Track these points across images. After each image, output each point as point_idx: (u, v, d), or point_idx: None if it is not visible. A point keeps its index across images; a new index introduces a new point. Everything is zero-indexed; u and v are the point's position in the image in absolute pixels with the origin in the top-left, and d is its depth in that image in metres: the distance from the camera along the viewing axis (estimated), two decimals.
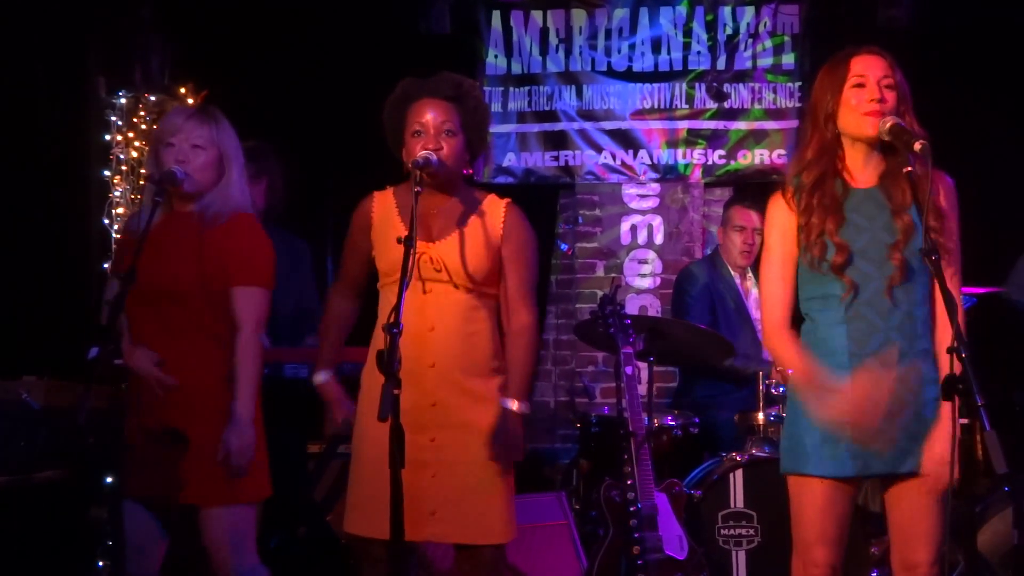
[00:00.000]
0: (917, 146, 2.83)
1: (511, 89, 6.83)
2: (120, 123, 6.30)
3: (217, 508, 3.44)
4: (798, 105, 6.66)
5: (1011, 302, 4.57)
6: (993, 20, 6.06)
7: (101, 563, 5.31)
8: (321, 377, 3.48)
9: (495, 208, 3.34)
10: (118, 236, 5.15)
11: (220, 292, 3.44)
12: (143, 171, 4.10)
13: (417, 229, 3.05)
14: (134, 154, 6.02)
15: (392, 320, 2.81)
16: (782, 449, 3.21)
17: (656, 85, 6.86)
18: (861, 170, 3.05)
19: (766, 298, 3.17)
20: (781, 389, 4.72)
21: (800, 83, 6.71)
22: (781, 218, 3.12)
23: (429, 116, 3.26)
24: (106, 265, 5.99)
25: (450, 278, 3.25)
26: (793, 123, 6.69)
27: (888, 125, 2.93)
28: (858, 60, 3.06)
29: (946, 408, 2.93)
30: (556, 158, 6.81)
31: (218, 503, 3.42)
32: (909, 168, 2.87)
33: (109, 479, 3.39)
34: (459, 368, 3.25)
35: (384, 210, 3.32)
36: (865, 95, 3.01)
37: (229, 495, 3.43)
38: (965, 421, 2.89)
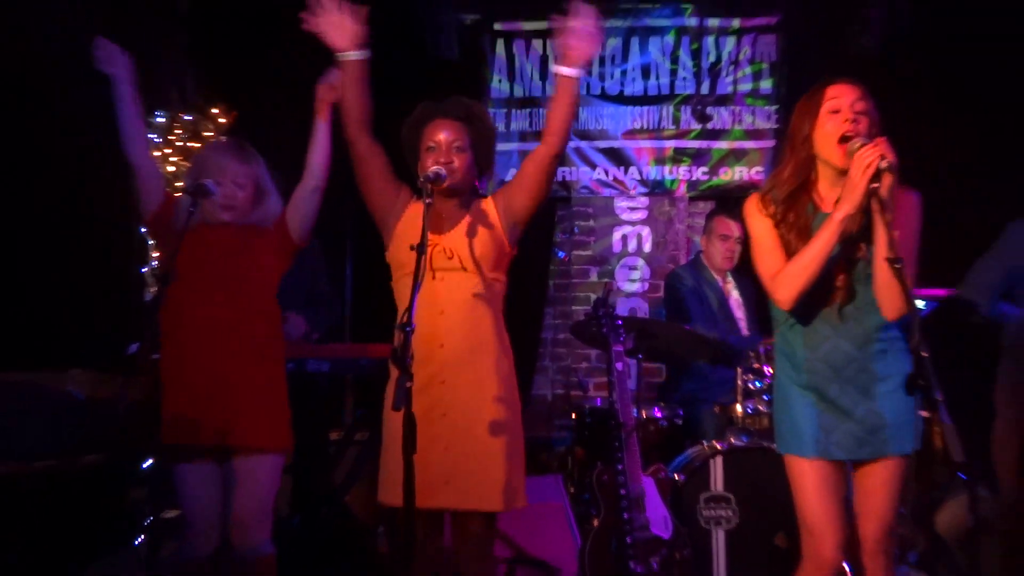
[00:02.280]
0: (883, 189, 2.85)
1: (513, 111, 6.85)
2: (158, 140, 6.32)
3: (260, 455, 3.53)
4: (775, 126, 6.68)
5: (966, 303, 4.57)
6: (952, 51, 6.07)
7: (139, 540, 5.34)
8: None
9: (489, 205, 3.39)
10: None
11: (271, 280, 3.64)
12: (178, 183, 4.12)
13: (429, 230, 3.08)
14: (171, 168, 6.03)
15: (404, 320, 2.83)
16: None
17: (645, 108, 6.88)
18: (829, 191, 3.04)
19: (766, 268, 3.10)
20: (757, 383, 4.74)
21: (777, 106, 6.73)
22: (760, 215, 3.12)
23: (442, 135, 3.31)
24: (144, 269, 6.01)
25: (460, 264, 3.28)
26: (770, 143, 6.71)
27: (855, 151, 2.93)
28: (833, 89, 3.06)
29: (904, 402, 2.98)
30: (556, 174, 6.80)
31: (259, 449, 3.52)
32: (876, 184, 2.87)
33: (147, 463, 3.39)
34: (466, 348, 3.26)
35: (411, 212, 3.32)
36: (838, 121, 3.02)
37: (267, 442, 3.54)
38: (926, 414, 2.89)
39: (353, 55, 3.28)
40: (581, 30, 3.23)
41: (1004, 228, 4.62)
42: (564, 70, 3.27)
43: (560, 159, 3.44)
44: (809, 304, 3.04)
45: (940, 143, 5.28)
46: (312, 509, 4.91)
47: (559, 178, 6.81)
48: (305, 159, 3.61)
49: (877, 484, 3.09)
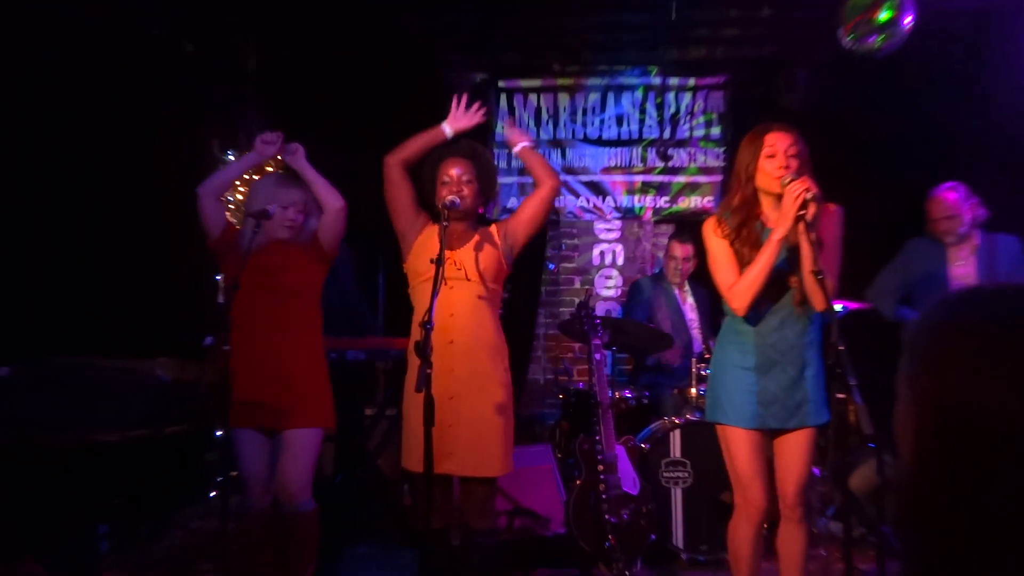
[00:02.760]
0: (809, 215, 2.86)
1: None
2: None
3: (303, 430, 3.52)
4: (723, 164, 6.68)
5: (875, 307, 4.57)
6: (857, 104, 6.10)
7: (213, 493, 5.33)
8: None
9: (494, 230, 3.44)
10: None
11: (314, 286, 3.65)
12: (244, 208, 4.12)
13: (445, 249, 3.10)
14: (239, 196, 6.03)
15: (425, 319, 2.84)
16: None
17: (619, 149, 6.88)
18: (772, 211, 3.05)
19: (723, 280, 3.10)
20: (708, 371, 4.73)
21: (724, 148, 6.73)
22: (716, 236, 3.12)
23: (454, 171, 3.36)
24: (217, 277, 6.01)
25: (466, 275, 3.29)
26: (719, 177, 6.71)
27: (786, 184, 2.93)
28: (770, 136, 3.06)
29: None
30: None
31: (302, 425, 3.51)
32: (803, 211, 2.88)
33: (219, 432, 3.39)
34: (471, 343, 3.27)
35: (428, 232, 3.36)
36: (775, 163, 3.01)
37: (310, 419, 3.54)
38: (842, 396, 2.88)
39: (450, 134, 3.44)
40: (511, 131, 3.57)
41: (902, 246, 4.62)
42: (515, 149, 3.54)
43: (553, 201, 3.53)
44: (762, 301, 3.04)
45: (851, 177, 5.27)
46: (350, 470, 4.91)
47: None
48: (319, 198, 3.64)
49: (797, 449, 3.11)
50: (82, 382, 3.08)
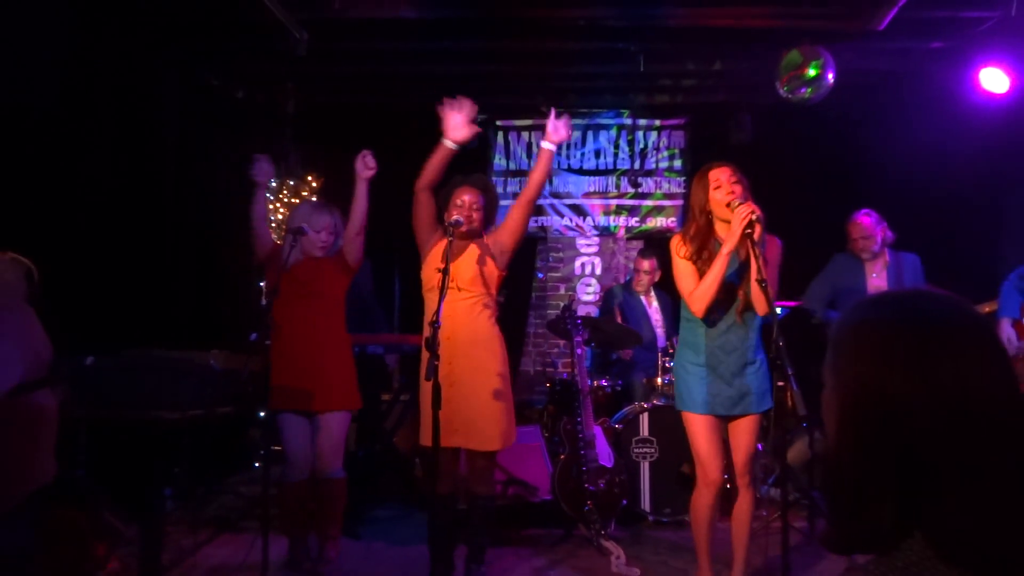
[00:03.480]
0: (756, 234, 2.87)
1: (508, 179, 6.85)
2: (271, 198, 6.34)
3: (335, 412, 3.53)
4: (683, 191, 6.70)
5: (806, 310, 4.58)
6: (797, 140, 6.13)
7: (257, 464, 5.32)
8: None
9: (487, 241, 3.39)
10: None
11: (340, 292, 3.64)
12: (284, 226, 4.14)
13: (450, 259, 3.10)
14: (280, 216, 6.04)
15: (434, 319, 2.85)
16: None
17: (597, 177, 6.89)
18: (727, 233, 3.05)
19: (685, 288, 3.09)
20: (671, 363, 4.74)
21: (684, 178, 6.75)
22: (679, 257, 3.12)
23: (467, 197, 3.35)
24: (261, 284, 6.01)
25: (467, 286, 3.28)
26: (680, 202, 6.74)
27: (735, 208, 2.94)
28: (714, 172, 3.08)
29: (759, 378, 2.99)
30: (536, 221, 6.82)
31: (335, 408, 3.52)
32: (749, 230, 2.89)
33: (262, 413, 3.40)
34: (471, 339, 3.26)
35: (440, 245, 3.29)
36: (722, 192, 3.03)
37: (341, 403, 3.55)
38: (781, 384, 2.90)
39: (453, 146, 3.33)
40: (562, 125, 3.33)
41: (829, 260, 4.64)
42: (545, 144, 3.34)
43: (534, 205, 3.43)
44: (715, 308, 3.05)
45: (789, 202, 5.29)
46: (371, 446, 4.90)
47: (539, 224, 6.83)
48: (351, 211, 3.59)
49: (743, 432, 3.11)
50: (150, 369, 3.08)
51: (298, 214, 3.68)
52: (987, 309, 4.23)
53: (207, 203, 5.66)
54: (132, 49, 4.94)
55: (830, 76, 4.85)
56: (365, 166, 3.52)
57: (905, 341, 0.90)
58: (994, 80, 5.06)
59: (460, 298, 3.26)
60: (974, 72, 5.11)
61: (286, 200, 6.28)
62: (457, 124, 3.31)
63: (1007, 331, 3.83)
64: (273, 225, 6.22)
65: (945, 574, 0.84)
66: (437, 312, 2.87)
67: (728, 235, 2.97)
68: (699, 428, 3.10)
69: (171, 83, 5.41)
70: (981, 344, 0.90)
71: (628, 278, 5.77)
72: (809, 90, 4.90)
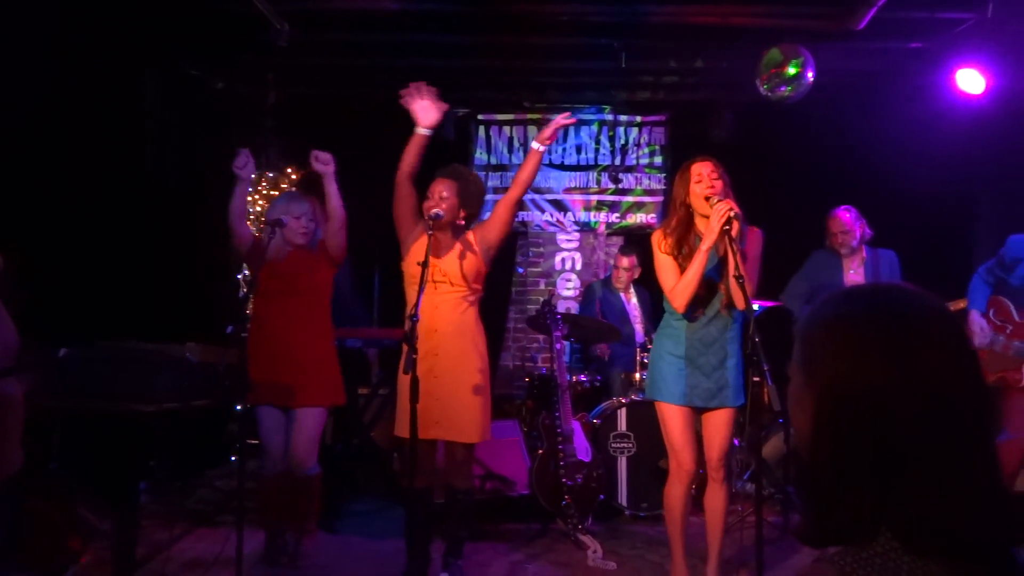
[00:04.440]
0: (733, 231, 2.88)
1: (489, 173, 6.81)
2: (251, 189, 6.28)
3: (311, 408, 3.49)
4: (663, 187, 6.70)
5: (786, 310, 4.62)
6: (774, 138, 6.17)
7: (233, 458, 5.29)
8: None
9: (471, 236, 3.36)
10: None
11: (323, 286, 3.60)
12: (263, 218, 4.10)
13: (431, 254, 3.08)
14: (258, 208, 5.99)
15: (412, 312, 2.84)
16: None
17: (578, 173, 6.88)
18: (707, 228, 3.07)
19: (666, 284, 3.11)
20: (646, 359, 4.77)
21: (665, 174, 6.74)
22: (660, 251, 3.14)
23: (437, 188, 3.32)
24: (239, 276, 5.97)
25: (450, 280, 3.26)
26: (660, 198, 6.73)
27: (714, 204, 2.96)
28: (695, 166, 3.10)
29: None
30: (517, 216, 6.78)
31: (311, 404, 3.49)
32: (727, 227, 2.91)
33: (239, 407, 3.38)
34: (453, 333, 3.26)
35: (422, 239, 3.23)
36: (702, 186, 3.04)
37: (317, 399, 3.51)
38: (757, 379, 2.91)
39: (424, 131, 3.29)
40: (554, 126, 3.28)
41: (807, 256, 4.68)
42: (535, 145, 3.30)
43: (520, 203, 3.42)
44: (696, 302, 3.07)
45: (768, 198, 5.32)
46: (349, 439, 4.89)
47: (520, 219, 6.82)
48: (328, 209, 3.56)
49: (719, 425, 3.13)
50: (125, 361, 3.05)
51: (275, 206, 3.65)
52: (956, 307, 4.28)
53: (186, 194, 5.61)
54: (112, 39, 4.88)
55: (810, 75, 4.88)
56: (320, 163, 3.50)
57: (881, 334, 0.91)
58: (970, 81, 5.12)
59: (443, 292, 3.26)
60: (951, 73, 5.17)
61: (265, 192, 6.22)
62: (424, 108, 3.27)
63: (978, 322, 3.89)
64: (252, 218, 6.17)
65: (910, 565, 0.85)
66: (416, 306, 2.87)
67: (707, 231, 2.99)
68: (674, 419, 3.12)
69: (151, 74, 5.35)
70: (951, 336, 0.91)
71: (608, 274, 5.79)
72: (789, 88, 4.93)
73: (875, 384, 0.88)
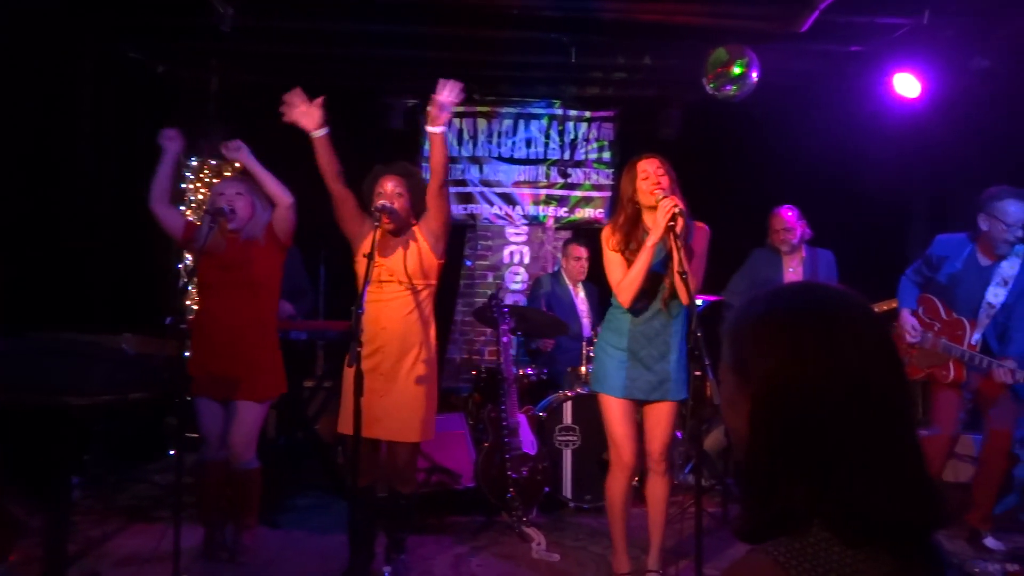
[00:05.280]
0: (678, 227, 2.92)
1: None
2: (192, 177, 6.13)
3: (251, 401, 3.43)
4: (611, 183, 6.76)
5: (728, 304, 4.70)
6: (721, 135, 6.26)
7: (172, 451, 5.17)
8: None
9: (417, 231, 3.31)
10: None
11: (268, 275, 3.51)
12: (204, 207, 4.01)
13: (377, 252, 3.05)
14: (200, 196, 5.86)
15: (357, 305, 2.82)
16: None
17: (528, 167, 6.89)
18: (652, 223, 3.10)
19: (614, 278, 3.14)
20: (592, 354, 4.80)
21: (613, 170, 6.80)
22: (608, 247, 3.17)
23: (389, 184, 3.28)
24: (179, 266, 5.82)
25: (396, 278, 3.23)
26: (608, 193, 6.80)
27: (660, 201, 2.99)
28: (642, 163, 3.13)
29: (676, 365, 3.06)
30: (466, 209, 6.80)
31: (249, 398, 3.43)
32: (672, 223, 2.94)
33: (177, 399, 3.30)
34: (399, 329, 3.23)
35: (371, 237, 3.15)
36: (649, 183, 3.07)
37: (255, 393, 3.45)
38: (699, 373, 2.96)
39: (318, 133, 3.22)
40: (441, 102, 3.14)
41: (750, 253, 4.77)
42: (431, 129, 3.20)
43: (447, 188, 3.28)
44: (640, 296, 3.10)
45: (713, 195, 5.42)
46: (292, 434, 4.83)
47: (468, 212, 6.81)
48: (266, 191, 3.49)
49: (660, 418, 3.17)
50: (57, 353, 2.95)
51: (213, 194, 3.58)
52: (884, 308, 4.41)
53: (124, 180, 5.45)
54: (47, 17, 4.70)
55: (754, 75, 4.98)
56: (231, 150, 3.44)
57: (811, 330, 0.93)
58: (906, 85, 5.28)
59: (391, 291, 3.23)
60: (888, 76, 5.32)
61: (207, 180, 6.08)
62: (304, 115, 3.19)
63: (910, 321, 4.01)
64: (193, 206, 6.02)
65: (840, 555, 0.88)
66: (360, 299, 2.84)
67: (652, 227, 3.02)
68: (615, 411, 3.15)
69: (88, 55, 5.17)
70: (875, 330, 0.94)
71: (556, 268, 5.80)
72: (734, 88, 5.03)
73: (807, 378, 0.90)
